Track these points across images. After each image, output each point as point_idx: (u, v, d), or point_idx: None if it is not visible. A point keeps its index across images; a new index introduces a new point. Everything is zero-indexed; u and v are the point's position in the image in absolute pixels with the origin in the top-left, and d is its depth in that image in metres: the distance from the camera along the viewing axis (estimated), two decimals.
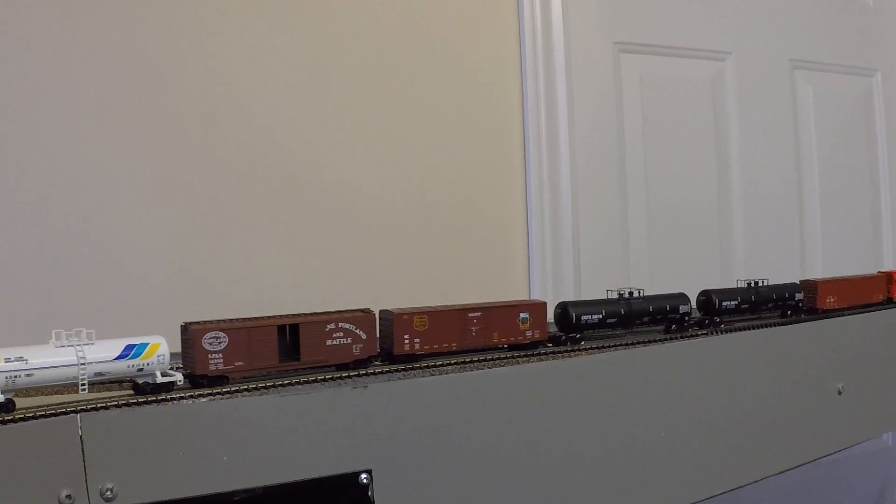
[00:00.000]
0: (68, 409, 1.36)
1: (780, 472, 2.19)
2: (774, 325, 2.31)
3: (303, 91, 2.69)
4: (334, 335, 1.70)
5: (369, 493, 1.54)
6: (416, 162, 2.88)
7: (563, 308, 2.08)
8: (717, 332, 2.21)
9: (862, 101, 4.01)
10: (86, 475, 1.30)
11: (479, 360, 1.85)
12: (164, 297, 2.46)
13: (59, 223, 2.36)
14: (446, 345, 1.83)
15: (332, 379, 1.66)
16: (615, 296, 2.17)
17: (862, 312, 2.56)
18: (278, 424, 1.47)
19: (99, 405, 1.40)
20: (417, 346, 1.80)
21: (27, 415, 1.33)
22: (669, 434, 1.95)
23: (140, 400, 1.45)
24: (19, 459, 1.26)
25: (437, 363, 1.81)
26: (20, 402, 1.39)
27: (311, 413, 1.50)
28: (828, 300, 2.48)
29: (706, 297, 2.30)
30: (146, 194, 2.46)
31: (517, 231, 3.10)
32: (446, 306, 1.88)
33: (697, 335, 2.19)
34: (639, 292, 2.17)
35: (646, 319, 2.17)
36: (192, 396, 1.50)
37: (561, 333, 2.04)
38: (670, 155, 3.44)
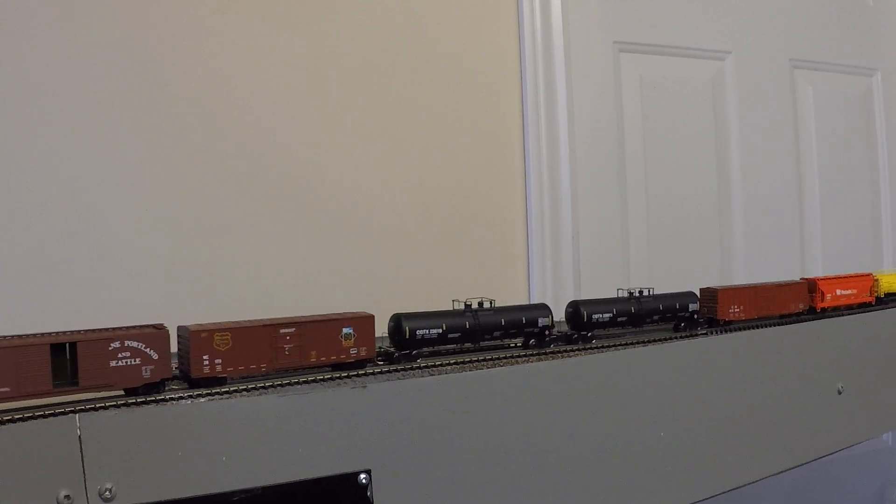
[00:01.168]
0: (67, 410, 1.36)
1: (780, 472, 2.19)
2: (773, 326, 2.31)
3: (303, 91, 2.69)
4: (119, 355, 1.49)
5: (368, 494, 1.54)
6: (416, 162, 2.88)
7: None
8: (716, 332, 2.21)
9: (862, 101, 4.01)
10: (84, 475, 1.30)
11: (478, 360, 1.85)
12: (165, 297, 2.46)
13: (58, 223, 2.36)
14: (254, 366, 1.63)
15: (331, 379, 1.66)
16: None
17: (853, 314, 2.55)
18: (277, 424, 1.47)
19: (98, 405, 1.40)
20: (219, 368, 1.59)
21: (26, 415, 1.33)
22: (669, 434, 1.95)
23: (139, 400, 1.45)
24: (18, 459, 1.26)
25: (437, 363, 1.81)
26: (19, 403, 1.39)
27: (310, 413, 1.50)
28: (731, 310, 2.28)
29: (574, 310, 2.08)
30: (146, 194, 2.46)
31: (517, 231, 3.10)
32: (253, 321, 1.68)
33: (703, 334, 2.19)
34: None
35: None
36: (191, 396, 1.50)
37: (393, 350, 1.84)
38: (670, 155, 3.44)
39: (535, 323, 2.01)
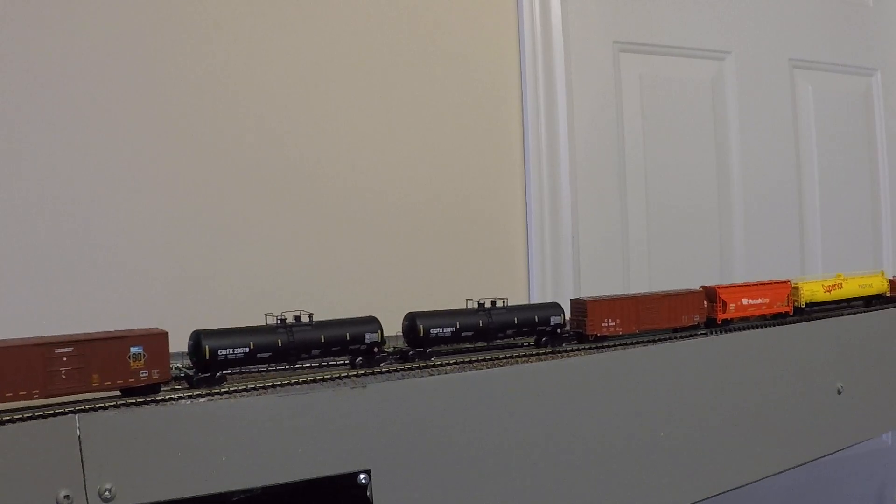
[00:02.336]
0: (66, 410, 1.36)
1: (780, 472, 2.19)
2: (773, 325, 2.31)
3: (303, 91, 2.69)
4: None
5: (368, 494, 1.54)
6: (416, 162, 2.88)
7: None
8: (716, 332, 2.20)
9: (861, 101, 4.01)
10: (84, 476, 1.30)
11: (477, 360, 1.85)
12: (166, 297, 2.46)
13: (58, 223, 2.35)
14: (24, 392, 1.36)
15: (330, 379, 1.66)
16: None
17: (853, 314, 2.55)
18: (277, 425, 1.47)
19: (97, 405, 1.40)
20: None
21: (25, 415, 1.33)
22: (669, 434, 1.95)
23: (139, 400, 1.45)
24: (18, 460, 1.26)
25: (437, 363, 1.81)
26: (18, 403, 1.39)
27: (309, 413, 1.50)
28: (605, 324, 2.05)
29: (410, 323, 1.86)
30: (146, 194, 2.46)
31: (517, 231, 3.10)
32: (23, 339, 1.41)
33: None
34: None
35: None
36: (190, 396, 1.50)
37: (193, 373, 1.60)
38: (670, 154, 3.44)
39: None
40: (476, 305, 1.94)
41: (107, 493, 1.31)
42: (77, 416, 1.32)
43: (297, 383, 1.62)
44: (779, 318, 2.39)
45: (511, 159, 3.09)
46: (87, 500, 1.30)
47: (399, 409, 1.59)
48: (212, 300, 2.50)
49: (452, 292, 2.66)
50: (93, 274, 2.38)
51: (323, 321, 1.76)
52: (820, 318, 2.44)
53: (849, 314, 2.52)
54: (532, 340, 2.05)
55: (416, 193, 2.88)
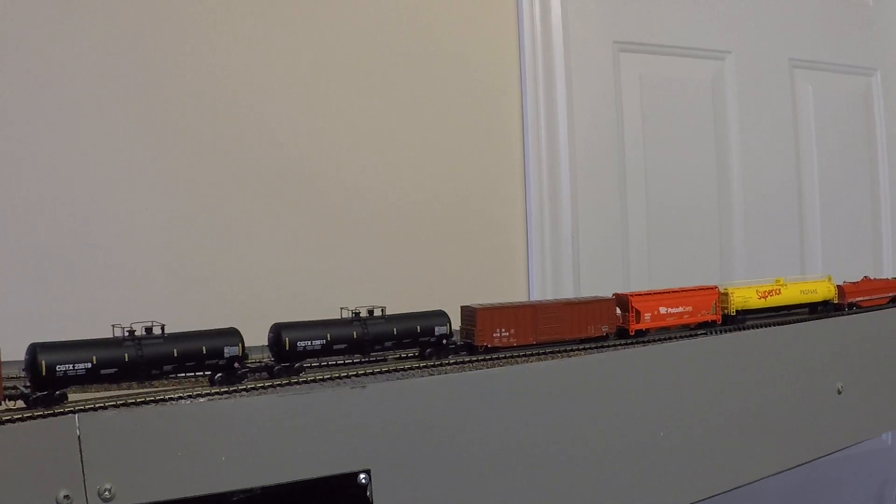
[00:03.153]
0: (66, 410, 1.36)
1: (780, 472, 2.19)
2: (772, 326, 2.31)
3: (303, 91, 2.69)
4: None
5: (368, 494, 1.54)
6: (416, 162, 2.88)
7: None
8: (715, 332, 2.21)
9: (861, 100, 4.01)
10: (84, 475, 1.30)
11: (477, 360, 1.85)
12: (166, 297, 2.46)
13: (58, 223, 2.36)
14: None
15: (330, 379, 1.66)
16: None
17: (854, 314, 2.55)
18: (277, 424, 1.47)
19: (97, 405, 1.40)
20: None
21: (25, 415, 1.33)
22: (669, 434, 1.95)
23: (138, 400, 1.45)
24: (17, 460, 1.26)
25: (436, 363, 1.81)
26: (18, 403, 1.39)
27: (309, 413, 1.50)
28: (497, 335, 1.90)
29: (275, 335, 1.68)
30: (147, 195, 2.46)
31: (516, 231, 3.10)
32: None
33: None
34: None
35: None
36: (190, 396, 1.50)
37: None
38: (670, 154, 3.44)
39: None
40: (351, 314, 1.76)
41: (106, 492, 1.31)
42: (77, 415, 1.32)
43: (297, 383, 1.62)
44: (705, 328, 2.23)
45: (511, 159, 3.09)
46: (86, 499, 1.30)
47: (399, 409, 1.59)
48: (212, 300, 2.50)
49: (452, 292, 2.66)
50: (93, 274, 2.38)
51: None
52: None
53: (847, 315, 2.52)
54: (416, 352, 1.87)
55: (416, 193, 2.88)
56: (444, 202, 2.93)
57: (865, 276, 2.63)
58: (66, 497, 1.28)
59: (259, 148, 2.62)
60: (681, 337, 2.15)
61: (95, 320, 2.32)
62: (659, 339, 2.11)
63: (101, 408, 1.39)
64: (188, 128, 2.52)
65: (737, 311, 2.30)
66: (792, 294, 2.43)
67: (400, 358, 1.87)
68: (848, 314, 2.52)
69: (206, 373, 1.61)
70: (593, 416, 1.84)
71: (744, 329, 2.25)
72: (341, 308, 1.77)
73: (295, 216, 2.67)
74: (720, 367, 2.09)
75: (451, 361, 1.83)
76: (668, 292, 2.18)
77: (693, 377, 2.03)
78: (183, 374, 1.59)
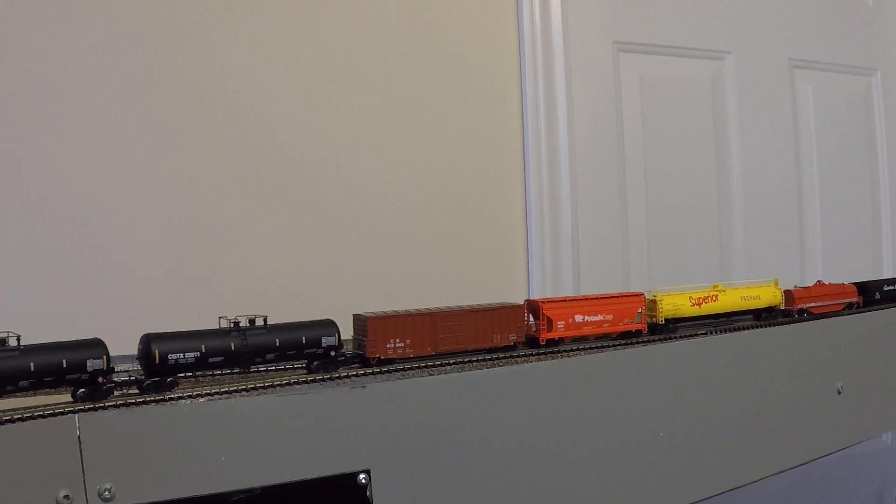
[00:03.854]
0: (66, 410, 1.36)
1: (780, 472, 2.19)
2: (772, 326, 2.31)
3: (302, 91, 2.69)
4: None
5: (368, 494, 1.54)
6: (415, 162, 2.88)
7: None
8: (715, 333, 2.21)
9: (861, 101, 4.01)
10: (84, 476, 1.30)
11: (477, 361, 1.85)
12: (166, 298, 2.46)
13: (59, 223, 2.36)
14: None
15: (330, 379, 1.66)
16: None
17: (852, 315, 2.55)
18: (277, 424, 1.47)
19: (97, 405, 1.40)
20: None
21: (25, 415, 1.33)
22: (668, 434, 1.95)
23: (138, 400, 1.45)
24: (17, 460, 1.26)
25: (436, 364, 1.81)
26: (18, 403, 1.39)
27: (309, 413, 1.50)
28: (389, 346, 1.78)
29: (144, 346, 1.54)
30: (147, 195, 2.46)
31: (516, 231, 3.10)
32: None
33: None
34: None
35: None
36: (190, 397, 1.50)
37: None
38: (670, 154, 3.44)
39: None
40: (230, 324, 1.63)
41: (106, 493, 1.31)
42: (77, 415, 1.32)
43: (297, 383, 1.62)
44: (630, 338, 2.09)
45: (511, 159, 3.09)
46: (86, 500, 1.30)
47: (399, 409, 1.59)
48: (212, 300, 2.50)
49: (452, 292, 2.67)
50: (92, 274, 2.38)
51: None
52: (818, 319, 2.42)
53: (842, 315, 2.51)
54: (303, 365, 1.74)
55: (416, 193, 2.88)
56: (444, 202, 2.93)
57: (819, 281, 2.54)
58: (67, 497, 1.28)
59: (259, 148, 2.62)
60: (681, 337, 2.15)
61: (95, 320, 2.34)
62: (659, 340, 2.11)
63: (101, 408, 1.39)
64: (188, 128, 2.52)
65: (666, 319, 2.16)
66: (731, 300, 2.29)
67: (283, 370, 1.75)
68: (850, 314, 2.51)
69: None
70: (594, 417, 1.84)
71: (744, 329, 2.25)
72: (219, 317, 1.64)
73: (294, 216, 2.67)
74: (720, 367, 2.09)
75: (342, 375, 1.69)
76: (586, 299, 2.05)
77: (693, 377, 2.03)
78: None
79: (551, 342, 1.98)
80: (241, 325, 1.64)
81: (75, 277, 2.36)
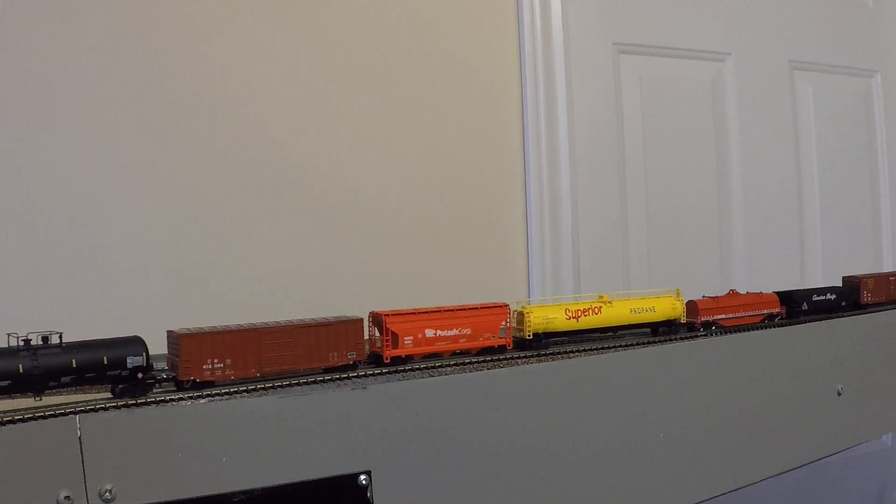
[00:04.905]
0: (67, 410, 1.35)
1: (780, 474, 2.19)
2: (773, 327, 2.31)
3: (302, 92, 2.69)
4: None
5: (368, 495, 1.54)
6: (415, 162, 2.88)
7: None
8: (715, 334, 2.21)
9: (862, 102, 4.01)
10: (84, 476, 1.30)
11: (478, 361, 1.85)
12: (166, 298, 2.46)
13: (59, 223, 2.35)
14: None
15: (331, 380, 1.66)
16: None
17: (855, 315, 2.54)
18: (277, 425, 1.47)
19: (98, 406, 1.40)
20: None
21: (26, 416, 1.33)
22: (668, 435, 1.95)
23: (139, 401, 1.45)
24: (18, 460, 1.26)
25: (436, 364, 1.81)
26: (19, 403, 1.39)
27: (310, 414, 1.50)
28: (206, 367, 1.57)
29: None
30: (147, 196, 2.46)
31: (516, 232, 3.10)
32: None
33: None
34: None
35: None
36: (191, 398, 1.50)
37: None
38: (670, 156, 3.44)
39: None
40: (18, 342, 1.41)
41: (107, 493, 1.31)
42: (77, 416, 1.32)
43: (298, 384, 1.62)
44: (494, 354, 1.90)
45: (511, 160, 3.09)
46: (87, 500, 1.30)
47: (399, 410, 1.59)
48: (212, 301, 2.50)
49: (452, 293, 2.66)
50: (93, 274, 2.38)
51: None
52: (818, 320, 2.41)
53: (844, 316, 2.50)
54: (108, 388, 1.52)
55: (416, 193, 2.88)
56: (444, 202, 2.93)
57: (732, 290, 2.34)
58: (67, 498, 1.28)
59: (259, 148, 2.62)
60: (681, 339, 2.15)
61: (96, 320, 2.34)
62: (659, 342, 2.11)
63: (101, 408, 1.39)
64: (188, 128, 2.52)
65: (535, 333, 1.97)
66: (617, 313, 2.10)
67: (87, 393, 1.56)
68: (847, 316, 2.51)
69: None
70: (594, 418, 1.84)
71: (744, 330, 2.25)
72: (8, 334, 1.43)
73: (294, 216, 2.67)
74: (720, 369, 2.09)
75: (153, 400, 1.49)
76: (440, 311, 1.84)
77: (693, 379, 2.03)
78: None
79: (397, 360, 1.78)
80: (31, 342, 1.42)
81: (75, 277, 2.36)
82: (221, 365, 1.59)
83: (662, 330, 2.19)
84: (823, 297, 2.48)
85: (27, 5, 2.31)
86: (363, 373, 1.73)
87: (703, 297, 2.27)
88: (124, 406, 1.42)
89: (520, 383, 1.76)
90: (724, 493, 2.05)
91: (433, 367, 1.78)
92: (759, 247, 3.62)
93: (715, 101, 3.58)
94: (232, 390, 1.55)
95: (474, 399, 1.68)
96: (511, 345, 1.92)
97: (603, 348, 2.00)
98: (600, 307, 2.08)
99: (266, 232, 2.62)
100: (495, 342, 1.90)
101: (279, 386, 1.60)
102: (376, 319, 1.81)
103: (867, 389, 2.41)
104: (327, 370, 1.71)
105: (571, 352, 1.97)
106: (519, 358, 1.89)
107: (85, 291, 2.37)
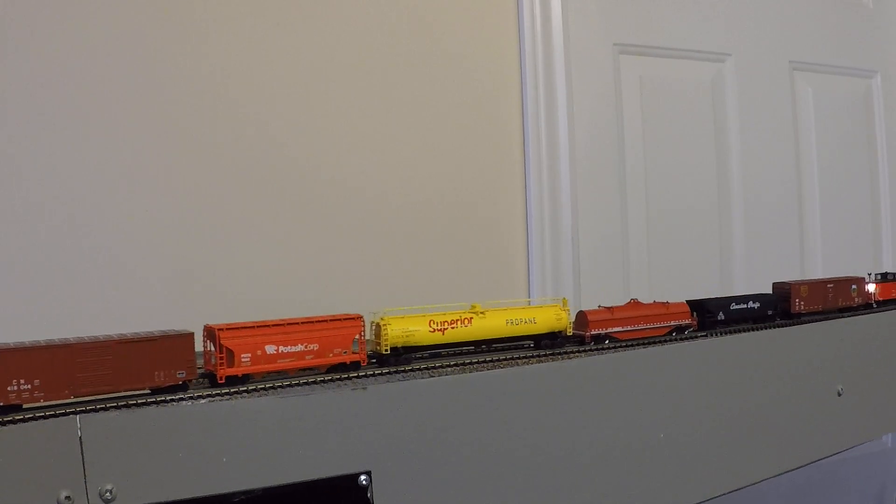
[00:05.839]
0: (68, 410, 1.35)
1: (780, 474, 2.19)
2: (773, 327, 2.31)
3: (302, 92, 2.69)
4: None
5: (369, 495, 1.53)
6: (416, 164, 2.88)
7: None
8: (716, 335, 2.21)
9: (862, 103, 4.01)
10: (85, 476, 1.30)
11: (478, 362, 1.84)
12: (166, 298, 2.46)
13: (59, 223, 2.35)
14: None
15: (331, 380, 1.66)
16: None
17: (858, 315, 2.54)
18: (278, 426, 1.47)
19: (98, 406, 1.40)
20: None
21: (27, 416, 1.33)
22: (668, 436, 1.95)
23: (140, 401, 1.45)
24: (18, 460, 1.26)
25: (437, 364, 1.81)
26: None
27: (310, 414, 1.50)
28: (12, 389, 1.38)
29: None
30: (148, 196, 2.46)
31: (517, 233, 3.10)
32: None
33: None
34: None
35: None
36: (191, 398, 1.50)
37: None
38: (670, 156, 3.44)
39: None
40: None
41: (108, 493, 1.31)
42: (78, 416, 1.32)
43: (298, 385, 1.62)
44: (346, 371, 1.71)
45: (511, 160, 3.09)
46: (87, 500, 1.30)
47: (400, 411, 1.59)
48: (212, 301, 2.50)
49: (452, 294, 2.67)
50: (93, 274, 2.38)
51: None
52: (819, 321, 2.41)
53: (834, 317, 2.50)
54: None
55: (416, 195, 2.88)
56: (444, 203, 2.93)
57: (634, 300, 2.17)
58: (68, 498, 1.28)
59: (259, 148, 2.62)
60: (681, 339, 2.15)
61: (95, 320, 2.34)
62: (660, 342, 2.11)
63: (102, 409, 1.39)
64: (188, 128, 2.52)
65: (394, 348, 1.78)
66: (490, 325, 1.90)
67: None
68: (847, 317, 2.51)
69: None
70: (594, 418, 1.84)
71: (744, 331, 2.25)
72: None
73: (294, 216, 2.67)
74: (720, 369, 2.09)
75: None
76: (284, 324, 1.66)
77: (693, 379, 2.03)
78: None
79: (234, 380, 1.59)
80: None
81: (75, 277, 2.36)
82: (29, 386, 1.40)
83: (545, 343, 2.00)
84: (744, 306, 2.29)
85: (27, 5, 2.31)
86: (522, 355, 1.74)
87: (599, 306, 2.10)
88: (125, 406, 1.42)
89: (520, 383, 1.76)
90: (724, 494, 2.05)
91: (433, 368, 1.78)
92: (759, 247, 3.62)
93: (715, 101, 3.58)
94: (232, 390, 1.55)
95: (474, 399, 1.68)
96: (366, 361, 1.74)
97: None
98: (471, 318, 1.88)
99: (266, 232, 2.62)
100: (347, 358, 1.71)
101: (279, 386, 1.60)
102: (210, 333, 1.61)
103: (867, 390, 2.41)
104: (155, 391, 1.53)
105: (572, 353, 1.96)
106: (519, 359, 1.88)
107: (85, 291, 2.37)
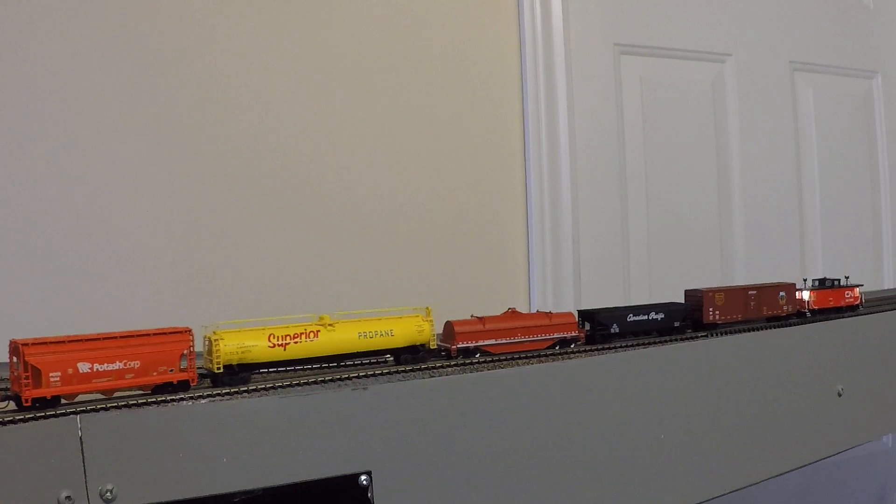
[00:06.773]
0: (68, 410, 1.36)
1: (780, 475, 2.19)
2: (773, 328, 2.31)
3: (303, 93, 2.69)
4: None
5: (369, 495, 1.54)
6: (416, 166, 2.88)
7: None
8: (715, 335, 2.21)
9: (862, 103, 4.01)
10: (85, 476, 1.30)
11: (479, 362, 1.84)
12: (166, 298, 2.46)
13: (59, 223, 2.35)
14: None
15: (332, 380, 1.66)
16: None
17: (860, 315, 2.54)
18: (278, 426, 1.47)
19: (99, 406, 1.40)
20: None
21: (27, 416, 1.33)
22: (669, 436, 1.95)
23: (140, 401, 1.45)
24: (19, 460, 1.26)
25: (438, 365, 1.81)
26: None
27: (311, 414, 1.50)
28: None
29: None
30: (148, 196, 2.46)
31: (517, 234, 3.10)
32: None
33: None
34: None
35: None
36: (191, 398, 1.50)
37: None
38: (671, 157, 3.44)
39: None
40: None
41: (108, 493, 1.31)
42: (79, 416, 1.32)
43: (299, 385, 1.62)
44: (172, 392, 1.51)
45: (512, 162, 3.09)
46: (88, 500, 1.30)
47: (400, 411, 1.59)
48: (213, 301, 2.50)
49: (452, 295, 2.67)
50: (92, 274, 2.38)
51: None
52: (818, 321, 2.41)
53: (845, 317, 2.50)
54: None
55: (416, 197, 2.88)
56: (445, 205, 2.93)
57: (511, 309, 1.96)
58: (68, 498, 1.28)
59: (259, 150, 2.62)
60: (680, 339, 2.15)
61: (96, 320, 2.33)
62: (660, 342, 2.11)
63: (102, 409, 1.39)
64: (189, 129, 2.52)
65: (227, 365, 1.58)
66: (340, 339, 1.70)
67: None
68: (848, 317, 2.50)
69: None
70: (594, 419, 1.84)
71: (744, 332, 2.24)
72: None
73: (294, 219, 2.67)
74: (720, 370, 2.09)
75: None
76: (99, 339, 1.46)
77: (693, 380, 2.03)
78: None
79: (41, 402, 1.37)
80: None
81: (75, 277, 2.36)
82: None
83: (405, 359, 1.80)
84: (644, 318, 2.08)
85: (27, 5, 2.31)
86: (522, 355, 1.76)
87: (472, 316, 1.90)
88: (125, 406, 1.42)
89: (520, 384, 1.76)
90: (724, 494, 2.05)
91: (433, 368, 1.78)
92: (760, 248, 3.62)
93: (715, 101, 3.58)
94: (232, 390, 1.55)
95: (475, 399, 1.68)
96: (196, 380, 1.55)
97: (603, 350, 1.98)
98: (318, 331, 1.68)
99: (266, 234, 2.62)
100: (174, 377, 1.52)
101: (279, 386, 1.60)
102: (15, 349, 1.40)
103: (867, 390, 2.41)
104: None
105: (572, 353, 1.96)
106: (520, 359, 1.88)
107: (85, 291, 2.37)
